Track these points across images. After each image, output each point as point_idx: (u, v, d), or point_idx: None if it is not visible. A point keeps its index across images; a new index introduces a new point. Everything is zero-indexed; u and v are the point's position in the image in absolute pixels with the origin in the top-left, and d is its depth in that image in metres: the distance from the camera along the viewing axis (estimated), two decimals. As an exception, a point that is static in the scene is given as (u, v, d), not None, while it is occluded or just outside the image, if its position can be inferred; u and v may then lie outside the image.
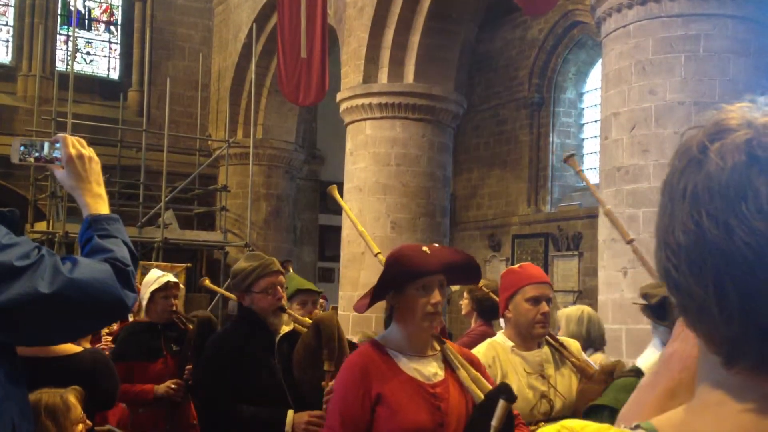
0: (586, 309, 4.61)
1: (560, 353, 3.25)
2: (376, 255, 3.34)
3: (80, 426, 2.62)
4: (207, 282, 5.39)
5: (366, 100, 10.83)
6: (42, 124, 13.76)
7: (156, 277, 4.86)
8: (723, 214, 0.73)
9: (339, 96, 11.33)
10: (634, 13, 7.02)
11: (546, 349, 3.24)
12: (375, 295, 2.59)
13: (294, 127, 15.59)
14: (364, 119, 10.90)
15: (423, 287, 2.54)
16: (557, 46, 14.91)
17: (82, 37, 16.12)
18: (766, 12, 7.03)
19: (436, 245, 2.73)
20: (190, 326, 4.81)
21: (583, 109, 15.26)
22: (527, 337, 3.20)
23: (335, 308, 10.85)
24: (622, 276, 6.93)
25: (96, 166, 2.00)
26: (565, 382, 3.18)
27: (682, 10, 6.80)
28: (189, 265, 13.25)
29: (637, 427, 0.79)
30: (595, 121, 13.51)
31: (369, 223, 10.65)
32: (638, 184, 6.85)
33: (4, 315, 1.55)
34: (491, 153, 16.12)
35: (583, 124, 15.22)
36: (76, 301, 1.64)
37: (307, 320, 3.63)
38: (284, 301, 3.60)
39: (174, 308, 4.85)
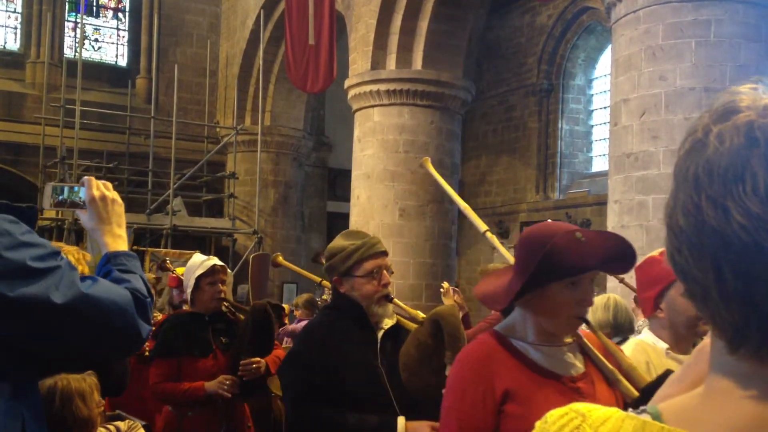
0: (613, 296, 4.55)
1: None
2: (483, 233, 2.97)
3: (101, 408, 2.79)
4: (280, 259, 4.79)
5: (374, 87, 10.80)
6: (50, 111, 13.80)
7: (201, 260, 4.27)
8: (721, 197, 0.73)
9: (347, 83, 11.30)
10: (644, -2, 6.97)
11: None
12: (519, 293, 2.06)
13: (302, 114, 15.59)
14: (372, 106, 10.88)
15: (572, 283, 2.07)
16: (566, 32, 14.83)
17: (90, 24, 16.11)
18: (778, -3, 6.97)
19: (589, 230, 2.19)
20: (240, 316, 4.34)
21: (593, 95, 15.19)
22: (686, 337, 2.78)
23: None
24: (631, 263, 6.90)
25: (119, 209, 2.03)
26: None
27: (692, -5, 6.75)
28: (197, 252, 13.26)
29: (642, 410, 0.80)
30: (605, 108, 13.44)
31: (377, 210, 10.65)
32: (648, 170, 6.82)
33: (13, 314, 1.51)
34: (500, 140, 16.07)
35: (593, 110, 15.15)
36: (88, 319, 1.60)
37: (420, 314, 3.10)
38: (391, 288, 3.06)
39: (222, 295, 4.26)
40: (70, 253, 2.52)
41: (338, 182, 17.03)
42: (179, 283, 5.74)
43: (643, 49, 6.95)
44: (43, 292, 1.53)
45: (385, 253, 3.04)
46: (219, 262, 4.29)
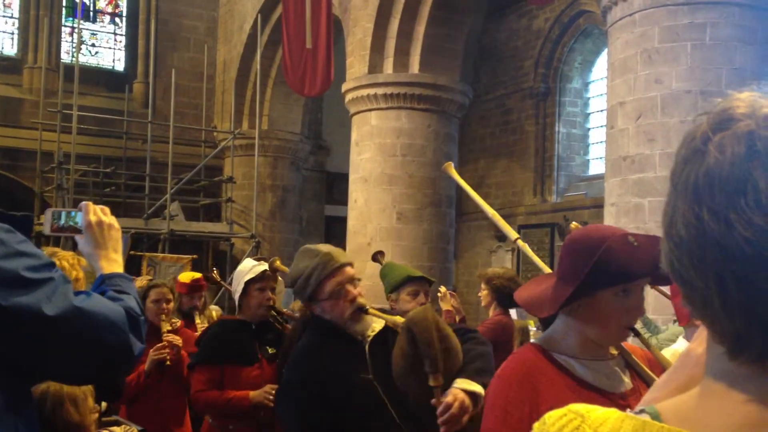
0: None
1: None
2: (515, 241, 2.76)
3: (95, 414, 2.74)
4: (278, 263, 4.54)
5: (371, 91, 10.81)
6: (48, 116, 13.79)
7: (250, 266, 4.06)
8: (723, 209, 0.73)
9: (344, 86, 11.31)
10: (640, 1, 6.98)
11: None
12: (568, 299, 1.90)
13: (299, 118, 15.59)
14: (370, 110, 10.89)
15: (624, 290, 1.91)
16: (563, 35, 14.86)
17: (87, 29, 16.12)
18: (774, 0, 6.98)
19: (639, 234, 2.00)
20: (288, 326, 4.16)
21: (589, 98, 15.21)
22: None
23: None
24: (628, 266, 6.91)
25: (115, 234, 2.03)
26: None
27: (688, -2, 6.77)
28: (195, 256, 13.29)
29: (641, 411, 0.80)
30: (601, 111, 13.46)
31: (375, 213, 10.65)
32: (644, 173, 6.83)
33: (4, 323, 1.48)
34: (497, 143, 16.08)
35: (589, 113, 15.18)
36: (79, 332, 1.58)
37: (399, 318, 2.88)
38: (361, 299, 2.86)
39: (271, 303, 4.07)
40: (66, 258, 2.52)
41: (336, 186, 17.05)
42: (189, 289, 5.69)
43: (639, 52, 6.97)
44: (36, 303, 1.51)
45: (344, 266, 2.83)
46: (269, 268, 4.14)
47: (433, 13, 10.56)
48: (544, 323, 2.15)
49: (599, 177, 12.52)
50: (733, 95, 0.80)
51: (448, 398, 2.50)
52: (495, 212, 2.88)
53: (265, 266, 4.06)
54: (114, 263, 1.98)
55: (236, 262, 13.89)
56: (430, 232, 10.69)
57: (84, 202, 2.06)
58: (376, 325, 2.88)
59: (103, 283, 1.89)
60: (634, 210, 6.87)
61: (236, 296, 4.03)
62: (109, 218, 2.04)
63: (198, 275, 5.91)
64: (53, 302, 1.54)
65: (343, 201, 12.33)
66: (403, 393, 2.64)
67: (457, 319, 6.00)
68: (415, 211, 10.62)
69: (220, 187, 15.59)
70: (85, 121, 13.78)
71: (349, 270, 2.86)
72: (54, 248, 2.80)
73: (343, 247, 11.62)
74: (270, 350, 4.04)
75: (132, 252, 12.48)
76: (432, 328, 2.56)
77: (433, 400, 2.51)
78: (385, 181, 10.64)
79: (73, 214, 2.06)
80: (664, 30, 6.84)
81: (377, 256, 4.65)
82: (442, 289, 5.94)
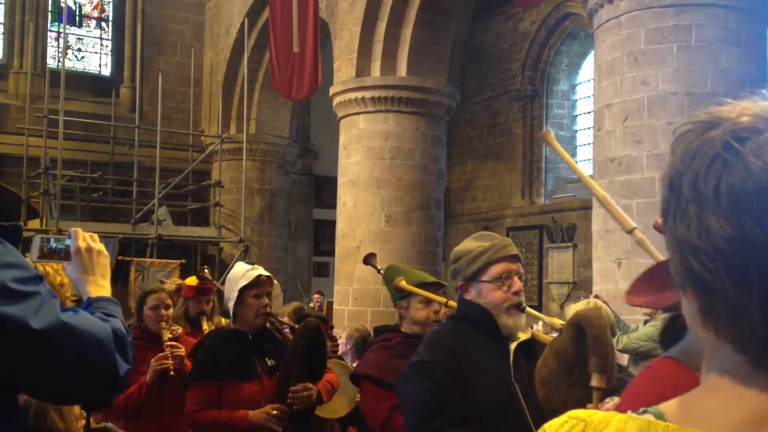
0: (593, 301, 4.56)
1: None
2: (630, 232, 2.44)
3: (82, 422, 2.73)
4: (404, 283, 3.83)
5: (359, 94, 10.81)
6: (34, 122, 13.72)
7: (244, 270, 3.71)
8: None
9: (332, 90, 11.31)
10: (625, 3, 7.02)
11: None
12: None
13: (287, 122, 15.57)
14: (358, 113, 10.89)
15: None
16: (549, 37, 14.91)
17: (73, 34, 16.05)
18: (759, 1, 7.03)
19: None
20: (288, 334, 3.87)
21: (576, 100, 15.28)
22: None
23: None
24: (616, 267, 6.94)
25: (104, 260, 2.02)
26: None
27: (673, 1, 6.80)
28: (183, 261, 13.24)
29: (644, 411, 0.80)
30: (588, 113, 13.51)
31: (363, 217, 10.64)
32: (632, 174, 6.86)
33: None
34: (485, 145, 16.12)
35: (576, 115, 15.23)
36: (63, 348, 1.55)
37: (557, 321, 2.75)
38: (522, 296, 2.68)
39: (268, 310, 3.74)
40: (50, 263, 2.50)
41: (324, 189, 17.04)
42: (196, 292, 5.24)
43: (626, 54, 7.00)
44: (22, 316, 1.48)
45: (516, 258, 2.69)
46: (264, 272, 3.74)
47: (419, 16, 10.58)
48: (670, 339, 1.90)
49: (587, 178, 12.55)
50: (730, 103, 0.79)
51: (608, 405, 2.22)
52: (606, 195, 2.58)
53: (260, 270, 3.72)
54: (102, 288, 1.97)
55: (225, 267, 13.86)
56: (418, 235, 10.69)
57: (73, 229, 2.05)
58: (523, 335, 2.71)
59: (90, 306, 1.87)
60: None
61: (230, 304, 3.71)
62: (98, 245, 2.03)
63: (266, 274, 5.32)
64: (40, 316, 1.51)
65: (332, 204, 12.33)
66: (544, 400, 2.37)
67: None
68: (404, 214, 10.62)
69: (208, 192, 15.55)
70: (71, 126, 13.73)
71: (519, 264, 2.71)
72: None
73: (333, 251, 11.62)
74: (269, 362, 3.70)
75: (120, 257, 12.42)
76: (604, 326, 2.34)
77: (590, 405, 2.20)
78: (374, 184, 10.64)
79: (61, 240, 2.06)
80: (650, 32, 6.88)
81: (369, 259, 4.45)
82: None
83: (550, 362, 2.36)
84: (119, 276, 11.93)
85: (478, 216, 15.94)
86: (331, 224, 12.14)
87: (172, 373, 4.20)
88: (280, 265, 14.87)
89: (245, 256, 13.80)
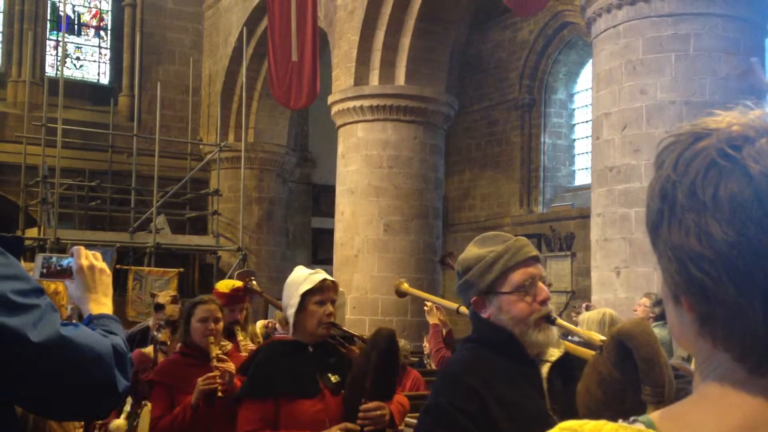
0: (608, 311, 4.44)
1: None
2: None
3: (80, 430, 2.77)
4: (405, 286, 3.78)
5: (357, 103, 10.83)
6: (32, 130, 13.72)
7: (306, 274, 3.32)
8: None
9: (330, 99, 11.32)
10: (623, 13, 7.03)
11: None
12: None
13: (285, 131, 15.59)
14: (356, 122, 10.90)
15: None
16: (547, 46, 14.95)
17: (72, 43, 16.07)
18: (756, 10, 7.05)
19: None
20: (354, 348, 3.45)
21: (574, 109, 15.30)
22: None
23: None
24: (615, 276, 6.93)
25: (106, 279, 2.02)
26: None
27: (671, 10, 6.82)
28: (181, 270, 13.22)
29: (634, 420, 0.79)
30: (587, 122, 13.54)
31: (361, 225, 10.64)
32: (630, 183, 6.86)
33: None
34: (483, 154, 16.13)
35: (575, 124, 15.26)
36: (62, 362, 1.54)
37: (596, 336, 2.31)
38: (551, 306, 2.24)
39: (332, 319, 3.30)
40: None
41: (322, 198, 17.02)
42: (228, 300, 4.71)
43: (624, 63, 7.01)
44: (21, 328, 1.48)
45: (536, 259, 2.24)
46: (329, 277, 3.32)
47: (417, 25, 10.60)
48: None
49: (585, 187, 12.58)
50: (716, 114, 0.80)
51: None
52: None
53: (323, 274, 3.31)
54: (103, 306, 1.96)
55: (223, 276, 13.84)
56: (417, 243, 10.69)
57: (75, 247, 2.04)
58: (557, 351, 2.26)
59: (91, 323, 1.87)
60: (621, 220, 6.90)
61: (290, 312, 3.29)
62: (101, 263, 2.03)
63: (239, 283, 4.99)
64: (39, 329, 1.51)
65: (330, 213, 12.32)
66: None
67: (444, 332, 5.96)
68: (402, 222, 10.62)
69: (206, 200, 15.54)
70: (69, 134, 13.73)
71: (540, 266, 2.27)
72: (31, 263, 2.76)
73: (331, 260, 11.61)
74: (333, 378, 3.26)
75: (118, 266, 12.40)
76: (656, 344, 1.88)
77: None
78: (372, 192, 10.64)
79: (63, 258, 2.06)
80: (648, 41, 6.89)
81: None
82: (429, 303, 5.87)
83: (593, 390, 1.94)
84: (117, 285, 11.90)
85: (476, 225, 15.93)
86: (330, 233, 12.13)
87: (220, 393, 3.80)
88: (279, 273, 14.85)
89: (243, 265, 13.78)
